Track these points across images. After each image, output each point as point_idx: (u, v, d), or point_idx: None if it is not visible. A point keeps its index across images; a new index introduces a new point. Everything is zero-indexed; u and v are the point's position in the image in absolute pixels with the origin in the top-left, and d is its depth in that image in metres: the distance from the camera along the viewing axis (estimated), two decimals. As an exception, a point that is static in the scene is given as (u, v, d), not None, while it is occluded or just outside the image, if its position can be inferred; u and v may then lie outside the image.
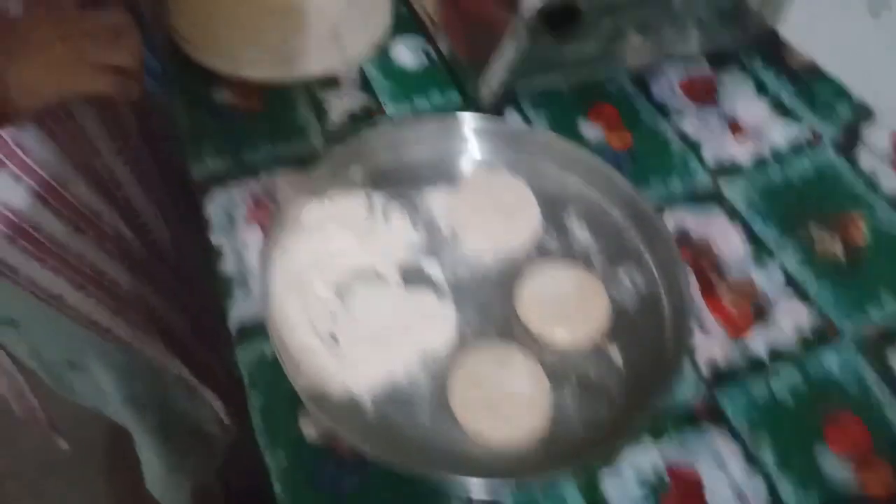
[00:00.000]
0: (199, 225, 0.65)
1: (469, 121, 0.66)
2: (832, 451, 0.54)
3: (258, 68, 0.73)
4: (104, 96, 0.58)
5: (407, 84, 0.76)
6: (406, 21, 0.81)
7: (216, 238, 0.63)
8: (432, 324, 0.57)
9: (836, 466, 0.53)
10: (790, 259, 0.64)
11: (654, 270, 0.60)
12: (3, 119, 0.54)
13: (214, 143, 0.69)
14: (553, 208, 0.64)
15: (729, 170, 0.71)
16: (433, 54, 0.79)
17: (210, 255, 0.62)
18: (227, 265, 0.61)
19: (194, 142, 0.69)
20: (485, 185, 0.65)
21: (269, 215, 0.64)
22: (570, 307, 0.57)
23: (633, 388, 0.53)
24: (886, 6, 0.69)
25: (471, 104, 0.73)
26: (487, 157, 0.67)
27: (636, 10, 0.68)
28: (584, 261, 0.61)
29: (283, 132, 0.71)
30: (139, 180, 0.88)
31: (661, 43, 0.73)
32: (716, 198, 0.69)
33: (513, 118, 0.73)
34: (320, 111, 0.73)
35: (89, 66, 0.56)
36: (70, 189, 0.74)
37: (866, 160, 0.71)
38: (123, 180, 0.85)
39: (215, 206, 0.65)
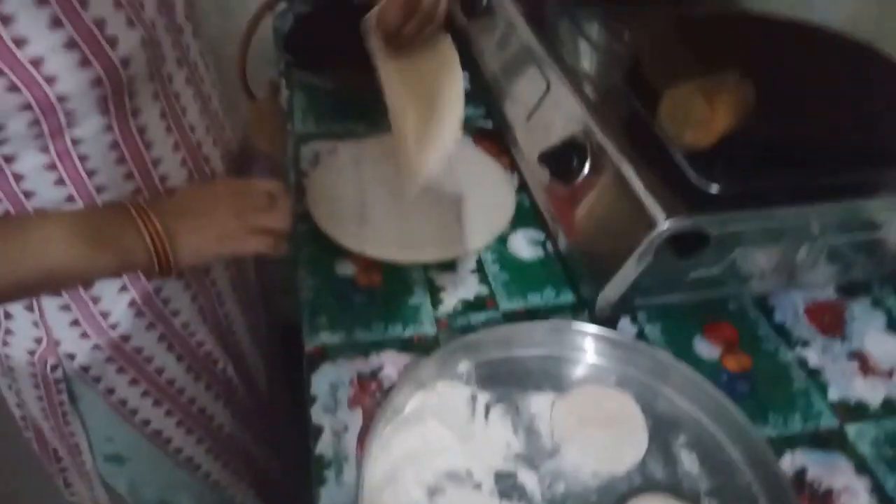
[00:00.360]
0: (293, 369, 0.66)
1: (583, 329, 0.66)
2: None
3: (383, 249, 0.76)
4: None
5: (522, 277, 0.77)
6: (526, 212, 0.84)
7: (317, 416, 0.63)
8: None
9: None
10: (927, 527, 0.58)
11: (770, 522, 0.55)
12: (165, 273, 0.59)
13: (330, 316, 0.72)
14: (662, 432, 0.61)
15: (855, 411, 0.66)
16: (550, 249, 0.80)
17: (308, 426, 0.63)
18: (325, 446, 0.61)
19: (312, 313, 0.72)
20: (592, 397, 0.64)
21: (372, 400, 0.65)
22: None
23: None
24: None
25: (584, 305, 0.73)
26: (598, 369, 0.66)
27: (768, 243, 0.67)
28: (692, 498, 0.57)
29: (397, 313, 0.73)
30: (250, 328, 0.92)
31: (791, 273, 0.71)
32: (840, 442, 0.64)
33: (626, 327, 0.72)
34: (435, 295, 0.75)
35: (248, 231, 0.61)
36: (195, 336, 0.78)
37: None
38: (237, 328, 0.89)
39: (321, 383, 0.66)
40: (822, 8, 0.86)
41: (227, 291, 0.84)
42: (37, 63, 0.49)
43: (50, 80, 0.50)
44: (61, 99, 0.52)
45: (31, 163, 0.56)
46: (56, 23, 0.49)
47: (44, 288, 0.62)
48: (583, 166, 0.71)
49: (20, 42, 0.48)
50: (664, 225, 0.61)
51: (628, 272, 0.65)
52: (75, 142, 0.56)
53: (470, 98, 1.00)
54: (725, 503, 0.57)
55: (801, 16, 0.84)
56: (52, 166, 0.57)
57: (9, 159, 0.55)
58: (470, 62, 1.04)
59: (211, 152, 0.71)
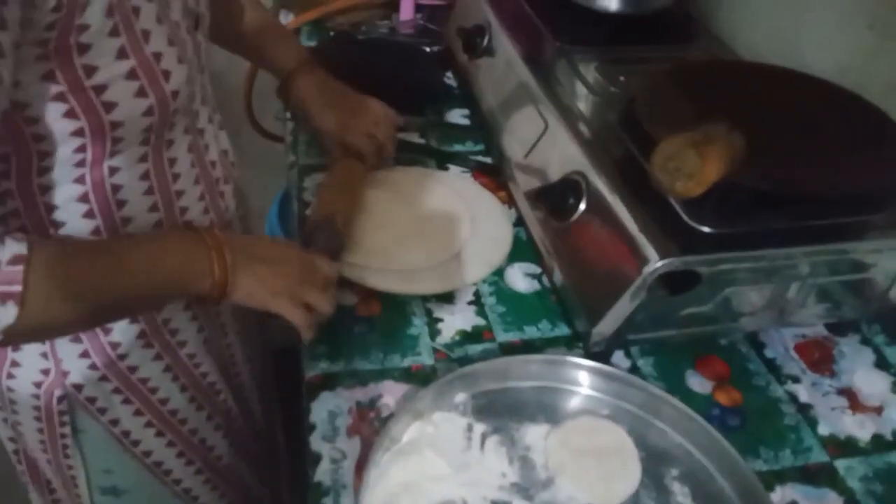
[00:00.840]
0: (286, 395, 0.67)
1: (578, 362, 0.67)
2: None
3: (383, 281, 0.78)
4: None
5: (518, 309, 0.78)
6: (523, 245, 0.86)
7: (316, 444, 0.64)
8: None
9: None
10: (915, 564, 0.59)
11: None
12: (212, 303, 0.62)
13: (330, 345, 0.73)
14: (655, 465, 0.63)
15: (845, 446, 0.68)
16: (546, 282, 0.82)
17: (306, 454, 0.64)
18: (323, 474, 0.62)
19: (312, 341, 0.73)
20: (586, 429, 0.65)
21: (370, 429, 0.66)
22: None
23: None
24: None
25: (579, 338, 0.75)
26: (592, 401, 0.67)
27: (758, 283, 0.69)
28: (684, 531, 0.58)
29: (396, 343, 0.74)
30: (249, 358, 0.93)
31: (781, 311, 0.73)
32: (830, 477, 0.65)
33: (620, 360, 0.74)
34: (433, 326, 0.76)
35: (294, 301, 0.64)
36: (200, 367, 0.79)
37: None
38: (238, 358, 0.90)
39: (320, 411, 0.67)
40: (811, 57, 0.89)
41: (229, 322, 0.85)
42: (99, 90, 0.53)
43: (108, 107, 0.54)
44: (114, 126, 0.56)
45: (66, 194, 0.58)
46: (122, 54, 0.53)
47: (133, 309, 0.64)
48: (578, 205, 0.74)
49: (90, 70, 0.52)
50: (657, 264, 0.63)
51: (622, 308, 0.66)
52: (112, 171, 0.60)
53: (470, 133, 1.04)
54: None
55: (791, 64, 0.87)
56: (85, 198, 0.60)
57: (45, 190, 0.58)
58: (470, 99, 1.07)
59: (225, 189, 0.74)
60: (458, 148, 1.02)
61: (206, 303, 0.63)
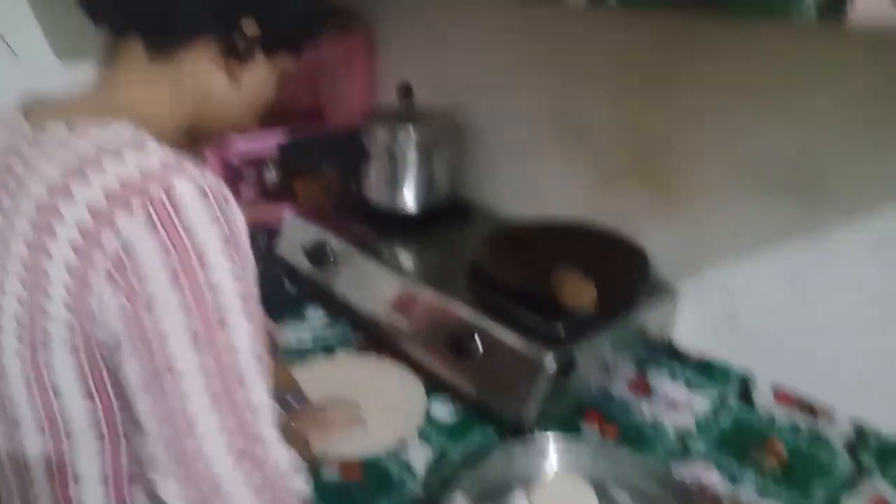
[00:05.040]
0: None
1: (541, 438, 0.97)
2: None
3: (351, 446, 1.00)
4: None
5: (452, 431, 1.06)
6: (430, 388, 1.13)
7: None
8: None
9: None
10: (752, 477, 0.98)
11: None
12: None
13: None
14: (602, 487, 0.94)
15: (684, 432, 1.06)
16: (460, 404, 1.10)
17: None
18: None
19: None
20: (553, 484, 0.94)
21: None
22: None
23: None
24: (738, 320, 1.15)
25: (507, 431, 1.04)
26: (550, 464, 0.97)
27: (602, 356, 1.08)
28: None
29: (385, 487, 0.95)
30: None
31: (612, 371, 1.12)
32: (688, 452, 1.02)
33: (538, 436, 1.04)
34: (408, 470, 0.99)
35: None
36: None
37: (762, 405, 1.11)
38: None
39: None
40: (557, 209, 1.35)
41: None
42: None
43: None
44: None
45: None
46: None
47: None
48: (477, 345, 1.05)
49: None
50: (552, 363, 0.98)
51: (540, 396, 0.99)
52: None
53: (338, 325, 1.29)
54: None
55: (546, 213, 1.32)
56: None
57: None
58: (328, 299, 1.34)
59: None
60: (333, 336, 1.28)
61: None
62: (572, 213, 1.32)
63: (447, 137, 1.41)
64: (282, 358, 1.14)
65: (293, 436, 0.83)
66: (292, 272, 1.41)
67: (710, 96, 1.11)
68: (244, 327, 0.63)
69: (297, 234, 1.41)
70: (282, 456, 0.67)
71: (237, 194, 1.67)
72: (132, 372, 0.63)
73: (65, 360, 0.65)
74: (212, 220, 0.62)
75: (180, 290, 0.60)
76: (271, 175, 1.67)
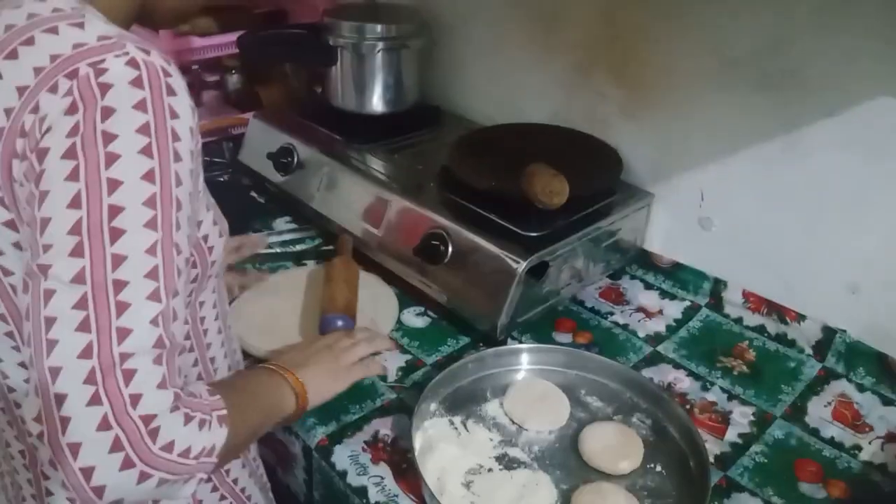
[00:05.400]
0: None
1: (515, 348, 0.98)
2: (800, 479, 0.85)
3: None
4: None
5: (426, 339, 1.05)
6: (400, 298, 1.12)
7: (355, 480, 0.83)
8: (536, 490, 0.82)
9: (806, 488, 0.84)
10: (721, 381, 0.99)
11: (655, 411, 0.90)
12: (298, 416, 0.76)
13: (316, 415, 0.91)
14: (573, 393, 0.94)
15: (656, 338, 1.07)
16: (431, 314, 1.09)
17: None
18: (375, 495, 0.82)
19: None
20: (525, 389, 0.94)
21: (386, 454, 0.87)
22: (619, 447, 0.85)
23: (680, 485, 0.81)
24: (711, 225, 1.14)
25: (479, 341, 1.03)
26: (521, 373, 0.97)
27: (574, 261, 1.06)
28: (606, 419, 0.90)
29: (362, 394, 0.94)
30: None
31: (581, 279, 1.10)
32: (659, 358, 1.03)
33: (512, 343, 1.04)
34: (380, 378, 0.98)
35: (348, 366, 0.83)
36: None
37: (732, 310, 1.11)
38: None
39: (341, 459, 0.86)
40: (529, 112, 1.30)
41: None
42: (206, 238, 0.69)
43: (210, 250, 0.69)
44: (212, 264, 0.70)
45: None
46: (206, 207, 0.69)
47: (256, 437, 0.74)
48: (447, 249, 1.03)
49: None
50: (523, 264, 0.96)
51: (511, 300, 0.97)
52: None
53: (304, 233, 1.27)
54: (622, 412, 0.91)
55: (518, 119, 1.28)
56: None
57: None
58: (289, 208, 1.30)
59: (237, 350, 0.87)
60: (301, 247, 1.25)
61: (292, 419, 0.76)
62: (544, 114, 1.28)
63: (415, 34, 1.34)
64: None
65: None
66: (259, 180, 1.36)
67: None
68: (144, 236, 0.54)
69: (262, 141, 1.35)
70: (146, 399, 0.53)
71: (199, 101, 1.61)
72: (17, 265, 0.60)
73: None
74: (135, 107, 0.55)
75: (74, 181, 0.53)
76: (233, 80, 1.59)
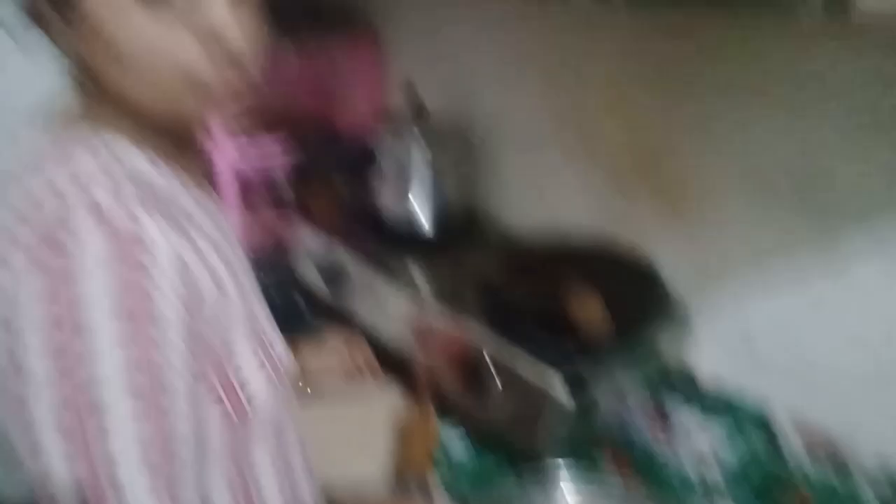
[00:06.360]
0: None
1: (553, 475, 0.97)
2: None
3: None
4: None
5: (464, 461, 1.05)
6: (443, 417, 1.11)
7: None
8: None
9: None
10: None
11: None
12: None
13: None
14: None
15: (703, 472, 1.02)
16: (473, 437, 1.08)
17: None
18: None
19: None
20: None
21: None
22: None
23: None
24: (756, 345, 1.11)
25: (518, 461, 1.01)
26: None
27: (617, 385, 1.05)
28: None
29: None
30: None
31: (628, 403, 1.10)
32: (710, 494, 0.99)
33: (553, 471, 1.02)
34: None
35: None
36: None
37: (782, 442, 1.07)
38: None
39: None
40: (566, 222, 1.31)
41: None
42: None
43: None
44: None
45: None
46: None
47: None
48: (488, 369, 1.02)
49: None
50: (566, 388, 0.96)
51: (552, 426, 0.97)
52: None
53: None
54: None
55: (556, 226, 1.28)
56: None
57: None
58: (342, 318, 1.32)
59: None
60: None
61: None
62: (583, 223, 1.29)
63: (457, 147, 1.37)
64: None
65: None
66: (305, 289, 1.40)
67: (716, 99, 1.07)
68: (114, 355, 0.54)
69: (310, 251, 1.39)
70: None
71: (250, 207, 1.67)
72: None
73: None
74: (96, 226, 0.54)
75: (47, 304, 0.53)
76: (283, 187, 1.64)
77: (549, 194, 1.37)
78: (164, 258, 0.57)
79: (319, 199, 1.53)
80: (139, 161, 0.64)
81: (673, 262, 1.17)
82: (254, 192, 1.65)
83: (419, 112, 1.34)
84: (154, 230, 0.57)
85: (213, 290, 0.62)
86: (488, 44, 1.39)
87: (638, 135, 1.19)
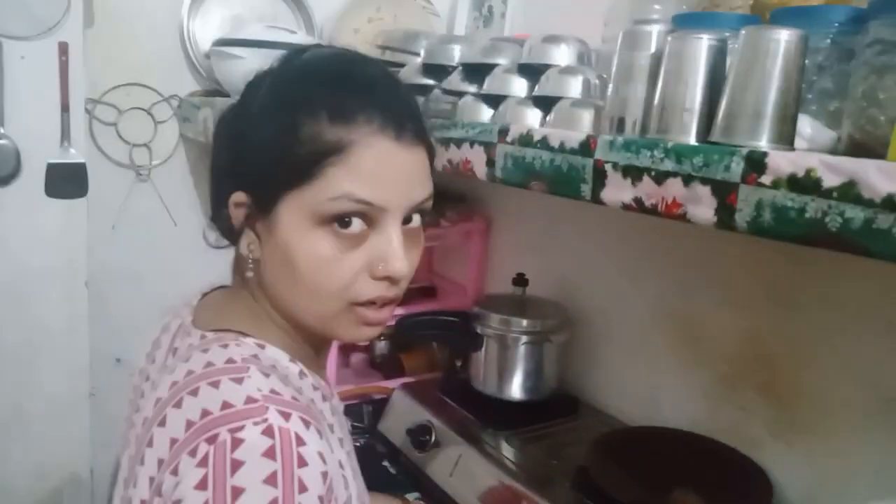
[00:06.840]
0: None
1: None
2: None
3: None
4: None
5: None
6: None
7: None
8: None
9: None
10: None
11: None
12: None
13: None
14: None
15: None
16: None
17: None
18: None
19: None
20: None
21: None
22: None
23: None
24: None
25: None
26: None
27: None
28: None
29: None
30: None
31: None
32: None
33: None
34: None
35: None
36: None
37: None
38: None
39: None
40: (668, 415, 1.30)
41: None
42: None
43: None
44: None
45: None
46: None
47: None
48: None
49: None
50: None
51: None
52: None
53: None
54: None
55: (656, 421, 1.27)
56: None
57: None
58: (427, 484, 1.32)
59: None
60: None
61: None
62: (684, 420, 1.27)
63: (557, 329, 1.41)
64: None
65: None
66: (394, 452, 1.41)
67: (838, 318, 1.06)
68: None
69: (402, 413, 1.42)
70: None
71: (345, 363, 1.74)
72: None
73: None
74: (265, 481, 0.57)
75: None
76: (381, 347, 1.72)
77: (648, 384, 1.36)
78: (317, 471, 0.60)
79: (415, 359, 1.59)
80: (297, 377, 0.70)
81: (786, 471, 1.11)
82: (352, 349, 1.72)
83: (522, 293, 1.42)
84: (313, 450, 0.60)
85: (342, 486, 0.66)
86: (599, 238, 1.45)
87: (751, 337, 1.19)
